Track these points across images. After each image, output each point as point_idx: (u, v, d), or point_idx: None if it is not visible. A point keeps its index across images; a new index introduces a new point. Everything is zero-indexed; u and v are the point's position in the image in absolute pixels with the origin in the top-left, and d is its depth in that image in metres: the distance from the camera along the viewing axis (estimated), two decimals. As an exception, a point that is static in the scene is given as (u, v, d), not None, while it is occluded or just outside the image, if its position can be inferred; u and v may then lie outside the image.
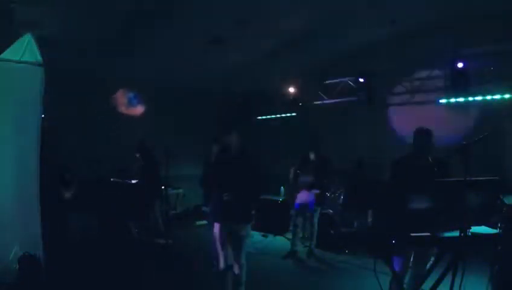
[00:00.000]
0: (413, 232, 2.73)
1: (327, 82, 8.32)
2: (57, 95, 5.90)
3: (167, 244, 6.99)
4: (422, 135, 3.59)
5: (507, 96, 6.23)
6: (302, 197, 6.23)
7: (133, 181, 7.87)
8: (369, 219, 6.77)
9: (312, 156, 6.24)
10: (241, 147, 3.88)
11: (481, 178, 2.70)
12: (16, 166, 4.44)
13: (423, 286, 3.12)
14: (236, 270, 3.85)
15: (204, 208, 9.08)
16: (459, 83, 6.26)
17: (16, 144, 4.46)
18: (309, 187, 6.15)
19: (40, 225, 4.56)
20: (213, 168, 3.97)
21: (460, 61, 6.16)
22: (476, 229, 2.72)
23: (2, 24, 4.95)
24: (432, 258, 3.24)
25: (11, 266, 4.22)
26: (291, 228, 6.69)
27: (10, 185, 4.39)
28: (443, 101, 6.94)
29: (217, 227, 3.90)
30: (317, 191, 6.16)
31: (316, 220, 6.30)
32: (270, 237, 7.63)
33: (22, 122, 4.52)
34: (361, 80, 7.49)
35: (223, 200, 3.83)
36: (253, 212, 4.14)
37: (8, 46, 4.50)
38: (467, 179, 2.57)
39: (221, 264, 3.83)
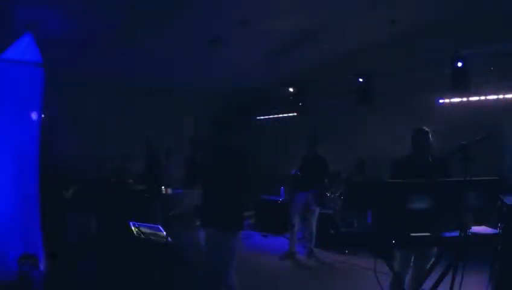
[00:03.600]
0: (413, 232, 2.73)
1: (327, 82, 8.32)
2: (57, 95, 5.91)
3: (167, 244, 6.99)
4: (421, 134, 3.60)
5: (507, 96, 6.24)
6: (302, 197, 6.23)
7: (133, 181, 7.87)
8: (369, 219, 6.76)
9: (311, 156, 6.25)
10: (230, 146, 3.58)
11: (481, 178, 2.71)
12: (16, 166, 4.44)
13: (423, 286, 3.12)
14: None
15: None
16: (459, 83, 6.27)
17: (16, 144, 4.46)
18: (308, 187, 6.15)
19: (40, 225, 4.56)
20: (198, 167, 3.55)
21: (460, 61, 6.16)
22: (476, 229, 2.72)
23: (2, 24, 4.94)
24: (432, 259, 3.24)
25: (11, 266, 4.22)
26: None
27: (10, 185, 4.40)
28: (443, 101, 6.94)
29: (202, 233, 3.58)
30: (316, 192, 6.17)
31: (314, 220, 6.29)
32: (270, 237, 7.63)
33: (22, 122, 4.53)
34: (361, 80, 7.49)
35: (204, 202, 3.53)
36: (243, 218, 3.59)
37: (8, 46, 4.50)
38: (467, 179, 2.57)
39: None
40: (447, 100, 6.91)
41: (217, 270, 3.40)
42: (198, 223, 3.64)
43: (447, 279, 2.78)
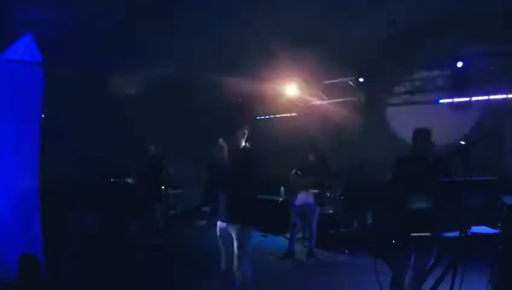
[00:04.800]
0: (413, 232, 2.73)
1: (327, 82, 8.32)
2: (57, 95, 5.92)
3: (167, 244, 7.01)
4: (421, 135, 3.60)
5: (507, 96, 6.24)
6: (302, 197, 6.23)
7: (133, 181, 7.87)
8: (369, 219, 6.77)
9: (311, 156, 6.25)
10: (244, 146, 3.77)
11: (481, 178, 2.71)
12: (16, 166, 4.44)
13: (423, 286, 3.12)
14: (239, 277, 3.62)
15: (204, 208, 9.10)
16: (459, 83, 6.27)
17: (16, 144, 4.46)
18: (308, 188, 6.15)
19: (40, 225, 4.56)
20: (216, 168, 3.78)
21: (460, 61, 6.17)
22: (476, 229, 2.72)
23: (2, 24, 4.94)
24: (432, 258, 3.24)
25: (11, 266, 4.22)
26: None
27: (10, 185, 4.40)
28: (443, 101, 6.95)
29: (217, 226, 3.80)
30: (317, 192, 6.17)
31: (314, 220, 6.29)
32: (270, 237, 7.63)
33: (22, 122, 4.52)
34: (361, 80, 7.49)
35: (222, 199, 3.75)
36: (251, 213, 3.78)
37: (8, 46, 4.50)
38: (467, 179, 2.57)
39: (223, 266, 3.73)
40: (447, 100, 6.91)
41: (233, 260, 3.62)
42: (213, 218, 3.85)
43: (447, 279, 2.78)
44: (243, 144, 3.76)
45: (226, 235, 3.72)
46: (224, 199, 3.77)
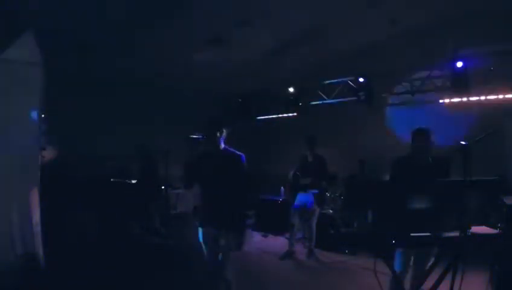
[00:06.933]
0: (413, 232, 2.73)
1: (327, 82, 8.32)
2: (57, 95, 5.93)
3: (166, 244, 7.01)
4: (421, 135, 3.60)
5: (507, 96, 6.23)
6: (301, 198, 6.23)
7: (133, 181, 7.87)
8: (369, 219, 6.76)
9: (310, 157, 6.24)
10: (227, 147, 3.59)
11: (481, 178, 2.70)
12: (16, 165, 4.44)
13: (423, 286, 3.11)
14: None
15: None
16: (459, 83, 6.26)
17: (16, 144, 4.46)
18: (308, 188, 6.15)
19: (40, 225, 4.56)
20: (195, 168, 3.60)
21: (460, 61, 6.17)
22: (476, 229, 2.72)
23: (2, 24, 4.94)
24: (432, 258, 3.24)
25: (11, 266, 4.22)
26: (290, 227, 6.68)
27: (10, 184, 4.40)
28: (443, 101, 6.94)
29: (200, 231, 3.61)
30: (316, 192, 6.17)
31: (314, 220, 6.29)
32: (270, 237, 7.63)
33: (22, 122, 4.53)
34: (361, 80, 7.49)
35: (203, 203, 3.60)
36: (245, 219, 3.61)
37: (8, 46, 4.50)
38: (467, 179, 2.57)
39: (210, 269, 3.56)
40: (447, 100, 6.91)
41: (216, 267, 3.48)
42: (196, 222, 3.66)
43: (447, 279, 2.78)
44: (222, 145, 3.57)
45: (209, 241, 3.52)
46: (207, 203, 3.59)
